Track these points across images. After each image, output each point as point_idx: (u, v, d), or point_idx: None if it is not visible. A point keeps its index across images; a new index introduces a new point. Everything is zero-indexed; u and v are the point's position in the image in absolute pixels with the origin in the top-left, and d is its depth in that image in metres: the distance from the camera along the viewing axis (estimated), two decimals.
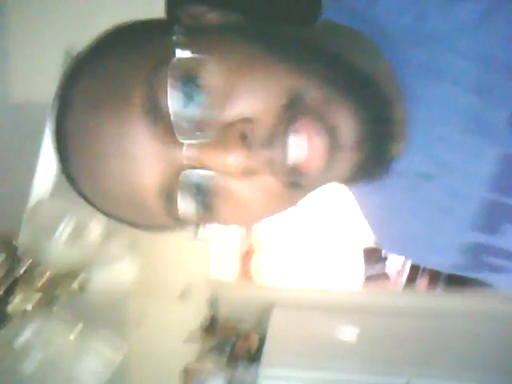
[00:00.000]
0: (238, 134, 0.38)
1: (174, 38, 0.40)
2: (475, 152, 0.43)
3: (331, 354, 1.62)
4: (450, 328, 1.66)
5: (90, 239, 0.92)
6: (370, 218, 0.57)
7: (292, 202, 0.44)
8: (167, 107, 0.37)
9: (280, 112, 0.38)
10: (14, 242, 0.89)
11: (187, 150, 0.38)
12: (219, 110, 0.38)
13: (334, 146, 0.38)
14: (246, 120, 0.38)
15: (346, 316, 1.76)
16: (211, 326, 1.74)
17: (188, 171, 0.39)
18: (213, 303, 1.77)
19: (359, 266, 1.97)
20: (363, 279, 1.99)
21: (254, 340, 1.69)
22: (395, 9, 0.43)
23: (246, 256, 2.01)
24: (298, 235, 1.95)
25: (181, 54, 0.38)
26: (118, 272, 1.03)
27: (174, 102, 0.37)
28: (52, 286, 0.96)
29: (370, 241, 1.86)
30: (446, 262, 0.53)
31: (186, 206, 0.41)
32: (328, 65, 0.40)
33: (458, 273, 0.53)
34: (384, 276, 2.09)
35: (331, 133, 0.38)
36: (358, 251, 1.98)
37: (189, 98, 0.38)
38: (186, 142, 0.38)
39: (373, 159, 0.41)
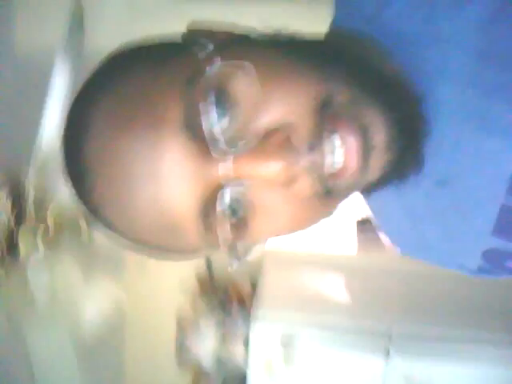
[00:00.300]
0: (280, 139, 0.37)
1: (204, 50, 0.39)
2: (493, 156, 0.42)
3: (320, 299, 1.71)
4: (434, 287, 1.74)
5: None
6: (389, 227, 0.57)
7: (327, 211, 0.43)
8: (204, 122, 0.36)
9: (315, 115, 0.38)
10: (23, 180, 0.91)
11: (225, 165, 0.37)
12: (255, 119, 0.38)
13: (368, 146, 0.39)
14: (286, 125, 0.38)
15: (336, 271, 1.83)
16: (206, 278, 1.80)
17: (226, 189, 0.38)
18: (207, 258, 1.83)
19: (352, 231, 2.02)
20: (357, 243, 2.04)
21: (247, 287, 1.75)
22: (405, 12, 0.43)
23: None
24: None
25: (214, 65, 0.37)
26: None
27: (210, 116, 0.36)
28: (59, 227, 1.00)
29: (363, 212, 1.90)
30: (469, 267, 0.52)
31: (223, 225, 0.39)
32: (352, 67, 0.41)
33: (484, 276, 0.52)
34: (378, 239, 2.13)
35: (365, 132, 0.38)
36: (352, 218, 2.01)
37: (225, 110, 0.37)
38: (223, 157, 0.37)
39: (403, 158, 0.41)
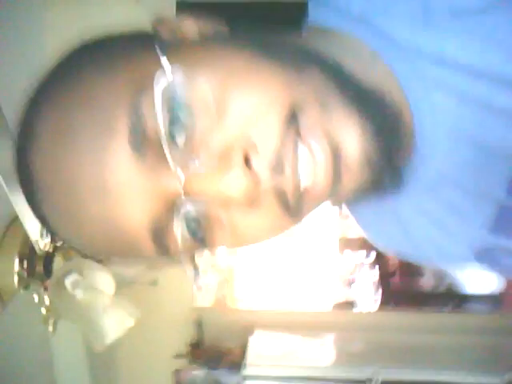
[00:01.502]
0: (240, 159, 0.34)
1: (155, 55, 0.35)
2: (493, 158, 0.41)
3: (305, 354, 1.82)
4: (411, 340, 1.89)
5: None
6: (374, 230, 0.53)
7: (292, 225, 0.40)
8: (156, 133, 0.33)
9: (282, 130, 0.35)
10: None
11: (181, 180, 0.34)
12: (212, 134, 0.35)
13: (340, 165, 0.36)
14: (247, 142, 0.35)
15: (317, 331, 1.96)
16: (197, 345, 1.88)
17: (181, 204, 0.35)
18: (198, 326, 1.93)
19: (329, 291, 2.16)
20: (332, 305, 2.18)
21: (237, 353, 1.84)
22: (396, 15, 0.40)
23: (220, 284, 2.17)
24: (268, 260, 2.14)
25: (165, 72, 0.34)
26: None
27: (162, 127, 0.33)
28: None
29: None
30: (460, 263, 0.52)
31: (178, 239, 0.36)
32: (326, 72, 0.37)
33: (473, 269, 0.51)
34: (350, 304, 2.28)
35: (336, 152, 0.35)
36: (328, 275, 2.17)
37: (179, 120, 0.34)
38: (179, 172, 0.34)
39: (381, 174, 0.39)
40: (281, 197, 0.36)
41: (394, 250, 0.56)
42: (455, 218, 0.45)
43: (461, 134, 0.40)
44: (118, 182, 0.34)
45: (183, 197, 0.35)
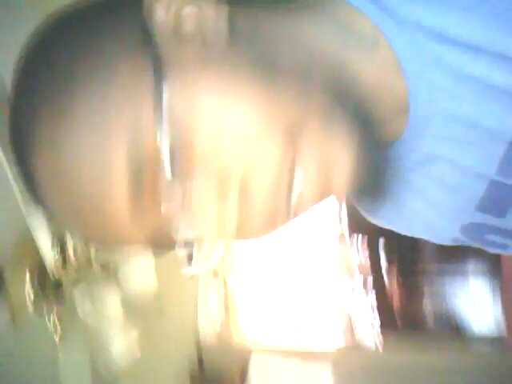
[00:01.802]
0: (236, 186, 0.35)
1: (150, 81, 0.34)
2: (485, 136, 0.41)
3: None
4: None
5: None
6: (364, 204, 0.55)
7: (284, 224, 0.41)
8: (155, 162, 0.34)
9: (280, 157, 0.36)
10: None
11: (176, 206, 0.35)
12: (211, 159, 0.35)
13: (330, 185, 0.37)
14: (245, 170, 0.35)
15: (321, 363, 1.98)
16: (199, 374, 1.90)
17: (177, 226, 0.36)
18: (199, 356, 1.96)
19: (336, 327, 2.17)
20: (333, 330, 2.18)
21: (237, 380, 1.86)
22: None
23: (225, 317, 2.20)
24: (273, 295, 2.17)
25: (162, 106, 0.33)
26: (144, 279, 1.27)
27: (163, 160, 0.34)
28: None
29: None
30: (445, 237, 0.52)
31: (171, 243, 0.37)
32: (328, 91, 0.38)
33: (457, 244, 0.52)
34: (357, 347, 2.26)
35: (330, 174, 0.37)
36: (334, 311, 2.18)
37: (177, 153, 0.34)
38: (174, 196, 0.35)
39: (370, 184, 0.42)
40: (272, 217, 0.37)
41: (388, 226, 0.56)
42: (444, 194, 0.46)
43: (455, 112, 0.41)
44: (114, 204, 0.35)
45: (180, 221, 0.36)
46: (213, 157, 0.35)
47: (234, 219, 0.36)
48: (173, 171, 0.34)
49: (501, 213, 0.45)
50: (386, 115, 0.42)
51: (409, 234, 0.55)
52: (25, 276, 1.02)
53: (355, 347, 2.10)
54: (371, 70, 0.40)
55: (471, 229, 0.48)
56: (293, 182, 0.36)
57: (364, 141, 0.38)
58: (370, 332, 2.12)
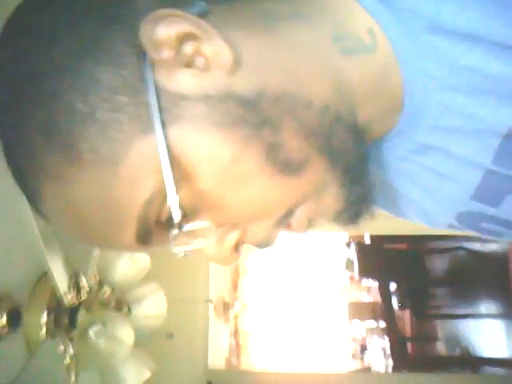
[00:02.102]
0: (231, 245, 0.41)
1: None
2: (482, 125, 0.40)
3: None
4: None
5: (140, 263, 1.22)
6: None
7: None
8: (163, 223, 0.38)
9: (273, 227, 0.41)
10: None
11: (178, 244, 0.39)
12: (215, 225, 0.39)
13: (315, 222, 0.42)
14: (243, 232, 0.41)
15: None
16: None
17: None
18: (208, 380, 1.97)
19: (345, 351, 2.17)
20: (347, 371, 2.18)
21: None
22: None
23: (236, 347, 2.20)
24: (282, 322, 2.18)
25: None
26: (154, 303, 1.30)
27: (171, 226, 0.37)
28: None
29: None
30: (440, 223, 0.53)
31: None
32: (329, 161, 0.39)
33: (452, 230, 0.53)
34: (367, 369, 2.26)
35: (313, 222, 0.42)
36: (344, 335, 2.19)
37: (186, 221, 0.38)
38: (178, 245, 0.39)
39: (355, 213, 0.43)
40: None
41: (382, 210, 0.56)
42: (439, 183, 0.46)
43: (451, 103, 0.40)
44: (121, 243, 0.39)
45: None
46: (221, 216, 0.39)
47: (232, 254, 0.41)
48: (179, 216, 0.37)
49: (496, 202, 0.45)
50: (382, 114, 0.43)
51: (403, 218, 0.55)
52: (41, 313, 1.06)
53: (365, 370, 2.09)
54: (369, 73, 0.41)
55: (466, 217, 0.49)
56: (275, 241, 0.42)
57: (353, 183, 0.41)
58: (379, 355, 2.12)
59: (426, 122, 0.42)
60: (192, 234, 0.38)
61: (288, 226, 0.41)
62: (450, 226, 0.52)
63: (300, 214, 0.41)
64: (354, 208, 0.42)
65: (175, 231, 0.37)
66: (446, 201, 0.48)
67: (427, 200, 0.49)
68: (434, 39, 0.39)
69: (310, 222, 0.41)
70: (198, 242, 0.39)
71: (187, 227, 0.37)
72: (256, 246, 0.41)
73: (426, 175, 0.46)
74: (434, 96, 0.40)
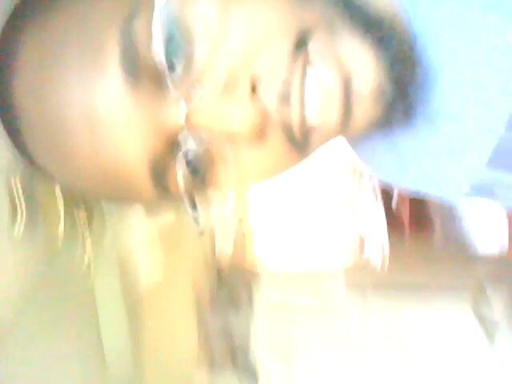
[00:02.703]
0: (246, 89, 0.32)
1: None
2: (494, 93, 0.39)
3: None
4: None
5: None
6: (374, 165, 0.54)
7: (299, 160, 0.39)
8: (151, 59, 0.30)
9: (287, 57, 0.32)
10: None
11: (181, 114, 0.32)
12: (214, 60, 0.32)
13: (351, 99, 0.33)
14: (252, 72, 0.32)
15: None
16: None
17: (183, 141, 0.33)
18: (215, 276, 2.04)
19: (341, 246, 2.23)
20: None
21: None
22: None
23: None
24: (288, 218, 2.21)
25: None
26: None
27: (159, 51, 0.30)
28: None
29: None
30: (453, 192, 0.50)
31: (179, 178, 0.34)
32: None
33: (470, 200, 0.57)
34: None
35: (348, 80, 0.33)
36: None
37: (177, 43, 0.31)
38: (179, 103, 0.31)
39: (393, 109, 0.37)
40: (287, 130, 0.34)
41: (394, 184, 0.55)
42: (453, 153, 0.44)
43: (465, 70, 0.39)
44: (110, 112, 0.31)
45: (185, 131, 0.32)
46: (219, 56, 0.32)
47: (244, 128, 0.32)
48: (175, 77, 0.31)
49: (510, 168, 0.44)
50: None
51: (415, 188, 0.52)
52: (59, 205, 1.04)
53: (363, 265, 2.17)
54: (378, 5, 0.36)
55: (483, 186, 0.46)
56: (304, 89, 0.33)
57: (386, 60, 0.34)
58: (377, 250, 2.18)
59: (439, 89, 0.40)
60: (192, 83, 0.32)
61: (309, 62, 0.33)
62: (465, 195, 0.49)
63: (319, 46, 0.33)
64: (396, 94, 0.35)
65: (170, 76, 0.31)
66: (461, 171, 0.46)
67: (441, 172, 0.47)
68: (449, 3, 0.37)
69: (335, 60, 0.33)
70: (200, 94, 0.31)
71: (179, 61, 0.31)
72: (279, 94, 0.32)
73: (440, 144, 0.44)
74: (447, 63, 0.39)
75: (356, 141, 0.49)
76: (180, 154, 0.33)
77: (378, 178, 0.56)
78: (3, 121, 0.35)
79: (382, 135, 0.44)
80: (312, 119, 0.33)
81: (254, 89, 0.32)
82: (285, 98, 0.32)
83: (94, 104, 0.31)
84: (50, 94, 0.31)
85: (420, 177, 0.49)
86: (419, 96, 0.39)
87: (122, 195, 0.36)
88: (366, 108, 0.35)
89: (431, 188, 0.51)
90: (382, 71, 0.34)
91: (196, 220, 0.36)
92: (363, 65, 0.34)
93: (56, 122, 0.31)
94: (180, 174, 0.34)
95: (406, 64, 0.36)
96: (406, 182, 0.52)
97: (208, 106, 0.32)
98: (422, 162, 0.47)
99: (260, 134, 0.33)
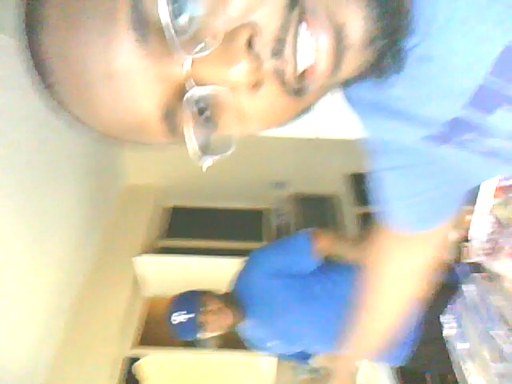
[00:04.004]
0: (243, 41, 0.35)
1: None
2: (484, 37, 0.40)
3: None
4: None
5: None
6: (368, 118, 0.56)
7: (299, 109, 0.42)
8: (158, 19, 0.33)
9: (284, 13, 0.35)
10: None
11: (186, 66, 0.35)
12: (218, 15, 0.34)
13: (341, 47, 0.36)
14: (250, 25, 0.35)
15: None
16: None
17: (189, 89, 0.36)
18: None
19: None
20: None
21: None
22: None
23: None
24: None
25: None
26: None
27: (164, 11, 0.33)
28: None
29: None
30: (423, 132, 0.52)
31: (188, 124, 0.37)
32: None
33: (429, 142, 0.53)
34: None
35: (339, 33, 0.35)
36: None
37: (181, 4, 0.34)
38: (183, 56, 0.34)
39: (383, 56, 0.39)
40: (280, 78, 0.37)
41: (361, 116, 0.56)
42: (439, 91, 0.46)
43: (457, 13, 0.40)
44: (124, 67, 0.35)
45: (190, 80, 0.36)
46: (219, 12, 0.35)
47: (242, 78, 0.35)
48: (179, 32, 0.34)
49: (487, 112, 0.45)
50: None
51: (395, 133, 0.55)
52: None
53: None
54: None
55: (455, 124, 0.48)
56: (297, 39, 0.35)
57: (377, 9, 0.36)
58: None
59: (432, 33, 0.41)
60: (194, 38, 0.35)
61: (303, 13, 0.35)
62: (431, 136, 0.51)
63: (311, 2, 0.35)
64: (386, 42, 0.38)
65: (174, 32, 0.34)
66: (440, 107, 0.47)
67: (421, 108, 0.49)
68: None
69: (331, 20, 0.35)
70: (202, 48, 0.35)
71: (182, 18, 0.34)
72: (275, 41, 0.35)
73: (424, 85, 0.46)
74: (440, 7, 0.40)
75: (350, 95, 0.53)
76: (186, 98, 0.36)
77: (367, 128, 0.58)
78: (34, 66, 0.39)
79: (374, 83, 0.45)
80: (303, 64, 0.36)
81: (250, 42, 0.35)
82: (278, 50, 0.35)
83: (111, 61, 0.35)
84: (74, 52, 0.35)
85: (402, 116, 0.51)
86: (409, 43, 0.41)
87: (137, 137, 0.41)
88: (355, 54, 0.37)
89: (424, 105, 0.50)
90: (372, 20, 0.36)
91: (199, 159, 0.39)
92: (353, 14, 0.35)
93: (80, 77, 0.36)
94: (187, 115, 0.37)
95: (396, 12, 0.38)
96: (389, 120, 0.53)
97: (208, 59, 0.35)
98: (406, 103, 0.49)
99: (256, 83, 0.36)
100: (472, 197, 1.21)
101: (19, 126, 1.93)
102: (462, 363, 1.26)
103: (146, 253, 3.00)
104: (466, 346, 1.22)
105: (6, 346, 1.96)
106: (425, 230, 0.71)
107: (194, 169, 0.42)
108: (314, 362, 2.02)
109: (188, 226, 3.28)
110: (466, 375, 1.22)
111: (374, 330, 0.99)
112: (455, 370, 1.30)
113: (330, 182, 3.47)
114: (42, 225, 2.25)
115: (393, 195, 0.66)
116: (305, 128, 2.44)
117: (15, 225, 1.96)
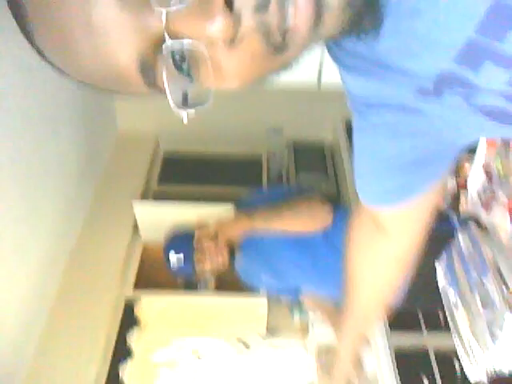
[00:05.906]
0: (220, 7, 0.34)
1: None
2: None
3: None
4: None
5: None
6: (352, 74, 0.55)
7: (278, 66, 0.42)
8: None
9: None
10: None
11: (165, 19, 0.35)
12: None
13: (321, 7, 0.36)
14: None
15: None
16: None
17: (167, 42, 0.36)
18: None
19: None
20: None
21: None
22: None
23: None
24: None
25: None
26: None
27: None
28: None
29: None
30: (413, 85, 0.52)
31: (166, 76, 0.38)
32: None
33: (418, 97, 0.52)
34: None
35: None
36: None
37: None
38: (162, 9, 0.35)
39: (363, 12, 0.40)
40: (264, 32, 0.36)
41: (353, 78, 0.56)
42: (426, 44, 0.45)
43: None
44: (103, 20, 0.35)
45: (166, 35, 0.36)
46: None
47: (218, 34, 0.35)
48: None
49: (474, 67, 0.45)
50: None
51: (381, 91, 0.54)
52: None
53: None
54: None
55: (443, 78, 0.48)
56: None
57: None
58: None
59: None
60: None
61: None
62: (420, 90, 0.51)
63: None
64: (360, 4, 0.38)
65: None
66: (427, 61, 0.47)
67: (409, 62, 0.48)
68: None
69: None
70: (179, 1, 0.35)
71: None
72: (255, 4, 0.35)
73: (412, 39, 0.45)
74: None
75: (335, 51, 0.54)
76: (163, 53, 0.37)
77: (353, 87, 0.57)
78: (15, 16, 0.39)
79: (360, 39, 0.46)
80: (289, 21, 0.36)
81: (230, 2, 0.35)
82: (261, 7, 0.35)
83: (88, 11, 0.35)
84: (56, 5, 0.36)
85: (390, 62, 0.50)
86: (387, 7, 0.42)
87: (118, 87, 0.42)
88: (334, 15, 0.38)
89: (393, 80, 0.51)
90: None
91: (178, 112, 0.40)
92: None
93: (61, 28, 0.36)
94: (164, 68, 0.38)
95: None
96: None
97: (185, 13, 0.35)
98: (395, 57, 0.48)
99: (234, 38, 0.36)
100: (471, 145, 1.21)
101: (8, 74, 1.88)
102: (453, 309, 1.29)
103: (145, 198, 3.02)
104: (458, 292, 1.25)
105: (6, 289, 2.00)
106: (408, 199, 0.67)
107: (190, 117, 0.43)
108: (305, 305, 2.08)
109: (183, 172, 3.28)
110: (457, 321, 1.26)
111: (358, 325, 1.04)
112: (447, 317, 1.33)
113: (329, 130, 3.45)
114: (40, 171, 2.24)
115: (374, 157, 0.63)
116: (304, 76, 2.40)
117: (12, 173, 1.96)
